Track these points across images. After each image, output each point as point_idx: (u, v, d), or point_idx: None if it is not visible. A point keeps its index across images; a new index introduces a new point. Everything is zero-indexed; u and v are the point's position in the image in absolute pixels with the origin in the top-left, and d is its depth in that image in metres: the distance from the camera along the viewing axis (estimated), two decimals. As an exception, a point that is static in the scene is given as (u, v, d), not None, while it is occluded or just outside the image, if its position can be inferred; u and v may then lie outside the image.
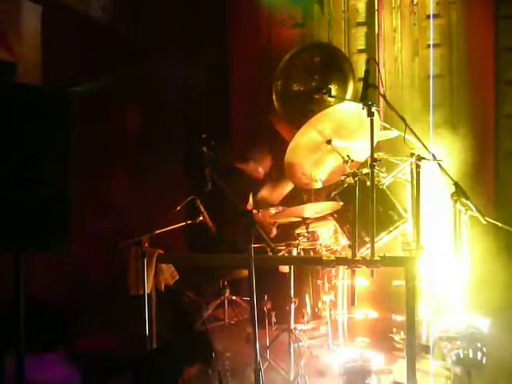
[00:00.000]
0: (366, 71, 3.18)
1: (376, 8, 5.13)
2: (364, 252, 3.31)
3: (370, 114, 2.97)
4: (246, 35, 5.50)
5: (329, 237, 3.91)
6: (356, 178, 3.27)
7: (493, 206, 4.58)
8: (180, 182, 5.07)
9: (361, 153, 3.58)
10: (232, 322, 4.47)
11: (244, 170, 4.63)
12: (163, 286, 3.49)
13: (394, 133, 3.81)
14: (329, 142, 3.53)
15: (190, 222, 3.63)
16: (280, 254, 3.51)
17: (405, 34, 5.09)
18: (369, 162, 3.02)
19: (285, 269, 3.59)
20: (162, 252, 3.39)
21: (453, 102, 4.94)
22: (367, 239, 3.24)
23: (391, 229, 3.44)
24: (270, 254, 3.18)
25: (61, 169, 2.04)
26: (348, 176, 3.39)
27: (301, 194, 4.05)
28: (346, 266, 3.26)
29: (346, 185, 3.48)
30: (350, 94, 4.56)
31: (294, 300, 3.52)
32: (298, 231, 3.82)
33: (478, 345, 2.86)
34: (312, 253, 3.79)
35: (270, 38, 5.46)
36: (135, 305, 3.28)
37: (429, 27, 4.96)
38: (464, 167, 4.27)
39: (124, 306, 3.49)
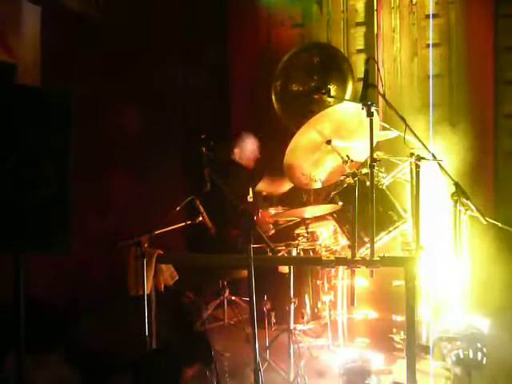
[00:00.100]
0: (366, 71, 3.18)
1: (375, 8, 5.13)
2: (364, 252, 3.31)
3: (370, 114, 2.97)
4: (245, 35, 5.50)
5: (328, 237, 3.92)
6: (355, 178, 3.27)
7: (492, 206, 4.58)
8: (179, 182, 5.07)
9: (360, 153, 3.58)
10: (231, 323, 4.46)
11: (234, 160, 4.60)
12: (163, 286, 3.49)
13: (393, 133, 3.81)
14: (328, 142, 3.54)
15: (189, 222, 3.63)
16: (280, 255, 3.51)
17: (404, 33, 5.09)
18: (368, 162, 3.02)
19: (284, 269, 3.59)
20: (161, 252, 3.39)
21: (452, 101, 4.94)
22: (367, 239, 3.25)
23: (391, 229, 3.44)
24: (270, 254, 3.18)
25: (60, 170, 2.03)
26: (347, 176, 3.39)
27: (300, 194, 4.04)
28: (346, 267, 3.26)
29: (345, 185, 3.48)
30: (349, 94, 4.56)
31: (293, 300, 3.52)
32: (297, 231, 3.82)
33: (478, 345, 2.86)
34: (312, 253, 3.79)
35: (270, 38, 5.47)
36: (135, 305, 3.27)
37: (428, 27, 4.96)
38: (463, 167, 4.27)
39: (124, 307, 3.49)
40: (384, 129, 3.78)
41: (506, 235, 3.34)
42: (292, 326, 3.52)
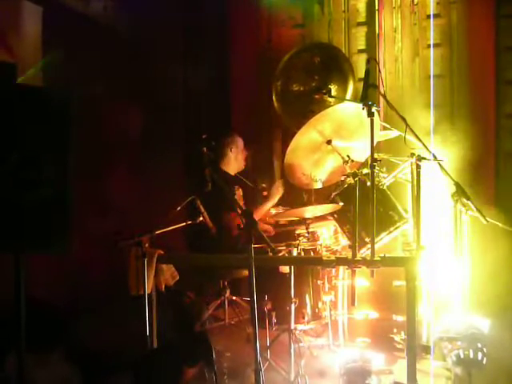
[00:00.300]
0: (367, 71, 3.18)
1: (376, 8, 5.13)
2: (364, 252, 3.31)
3: (370, 114, 2.97)
4: (246, 35, 5.50)
5: (329, 237, 3.92)
6: (356, 179, 3.27)
7: (493, 206, 4.57)
8: (180, 182, 5.07)
9: (361, 153, 3.58)
10: (232, 323, 4.46)
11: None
12: (163, 286, 3.49)
13: (394, 133, 3.81)
14: (329, 142, 3.54)
15: (190, 222, 3.63)
16: (280, 255, 3.51)
17: (405, 33, 5.08)
18: (369, 162, 3.02)
19: (285, 269, 3.59)
20: (162, 252, 3.39)
21: (453, 102, 4.93)
22: (367, 239, 3.24)
23: (391, 229, 3.43)
24: (271, 254, 3.18)
25: (60, 169, 2.03)
26: (348, 176, 3.39)
27: (301, 194, 4.04)
28: (347, 267, 3.26)
29: (346, 185, 3.47)
30: (350, 94, 4.56)
31: (294, 300, 3.52)
32: (298, 231, 3.82)
33: (479, 345, 2.86)
34: (312, 253, 3.79)
35: (270, 38, 5.46)
36: (135, 305, 3.28)
37: (429, 27, 4.96)
38: (464, 167, 4.26)
39: (124, 307, 3.49)
40: (385, 129, 3.78)
41: (506, 235, 3.35)
42: (293, 325, 3.52)
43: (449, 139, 4.31)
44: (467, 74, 4.89)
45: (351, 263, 3.04)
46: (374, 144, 3.01)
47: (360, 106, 3.02)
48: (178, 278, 3.58)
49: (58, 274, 3.76)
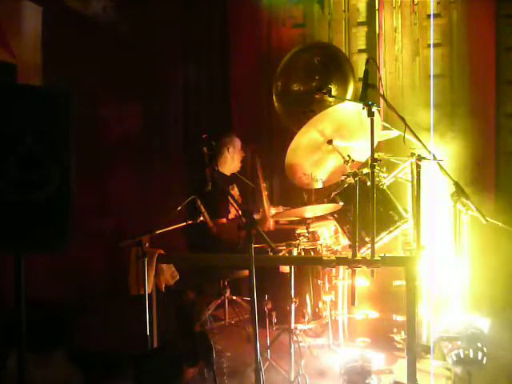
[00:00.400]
0: (366, 71, 3.19)
1: (376, 8, 5.13)
2: (364, 252, 3.31)
3: (371, 114, 2.97)
4: (246, 35, 5.50)
5: (329, 237, 3.91)
6: (356, 178, 3.26)
7: (493, 206, 4.57)
8: (180, 182, 5.07)
9: (361, 153, 3.58)
10: (232, 322, 4.47)
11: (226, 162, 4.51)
12: (164, 286, 3.49)
13: (394, 133, 3.81)
14: (330, 141, 3.54)
15: (190, 222, 3.63)
16: (280, 254, 3.51)
17: (405, 33, 5.08)
18: (369, 162, 3.02)
19: (285, 269, 3.59)
20: (162, 252, 3.39)
21: (453, 101, 4.93)
22: (367, 239, 3.24)
23: (392, 229, 3.43)
24: (271, 254, 3.18)
25: (61, 169, 2.04)
26: (348, 176, 3.38)
27: (301, 194, 4.04)
28: (347, 266, 3.26)
29: (346, 185, 3.48)
30: (350, 93, 4.56)
31: (294, 300, 3.52)
32: (298, 231, 3.82)
33: (479, 345, 2.86)
34: (312, 253, 3.79)
35: (270, 38, 5.46)
36: (136, 305, 3.28)
37: (429, 27, 4.96)
38: (464, 167, 4.26)
39: (124, 306, 3.49)
40: (385, 128, 3.78)
41: (506, 235, 3.35)
42: (293, 325, 3.52)
43: (449, 139, 4.31)
44: (467, 73, 4.89)
45: (351, 263, 3.04)
46: (375, 144, 3.01)
47: (360, 105, 3.02)
48: (178, 277, 3.58)
49: (58, 273, 3.76)
